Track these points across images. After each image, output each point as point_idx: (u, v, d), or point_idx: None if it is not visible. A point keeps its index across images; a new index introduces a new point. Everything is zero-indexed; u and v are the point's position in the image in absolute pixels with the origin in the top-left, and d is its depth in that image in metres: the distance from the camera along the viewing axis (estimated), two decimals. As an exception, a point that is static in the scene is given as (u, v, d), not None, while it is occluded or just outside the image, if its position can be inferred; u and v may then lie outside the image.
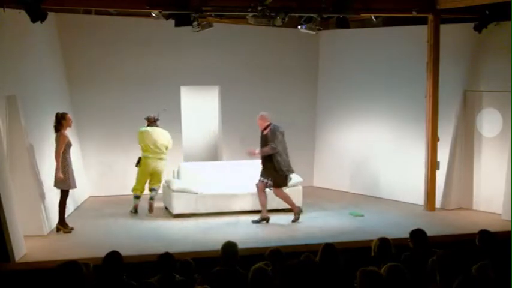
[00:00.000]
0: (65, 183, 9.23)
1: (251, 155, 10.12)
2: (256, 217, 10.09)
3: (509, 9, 9.42)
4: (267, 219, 10.00)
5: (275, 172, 9.95)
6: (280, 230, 9.65)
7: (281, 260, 5.73)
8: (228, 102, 12.90)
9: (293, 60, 13.18)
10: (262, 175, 10.09)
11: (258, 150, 10.03)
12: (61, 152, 9.16)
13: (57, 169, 9.16)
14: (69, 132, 9.51)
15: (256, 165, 11.33)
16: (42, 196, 9.22)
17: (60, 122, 9.28)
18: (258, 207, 10.58)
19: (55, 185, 9.29)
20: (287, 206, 10.56)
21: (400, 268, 4.94)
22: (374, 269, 4.85)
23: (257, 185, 10.09)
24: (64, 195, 9.32)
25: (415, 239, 6.26)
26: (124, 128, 12.06)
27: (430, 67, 10.78)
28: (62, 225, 9.28)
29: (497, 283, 5.23)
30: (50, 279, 5.81)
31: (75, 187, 9.49)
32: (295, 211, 10.08)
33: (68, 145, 9.29)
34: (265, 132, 10.04)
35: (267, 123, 10.05)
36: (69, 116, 9.47)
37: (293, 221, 10.03)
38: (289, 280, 5.18)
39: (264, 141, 10.01)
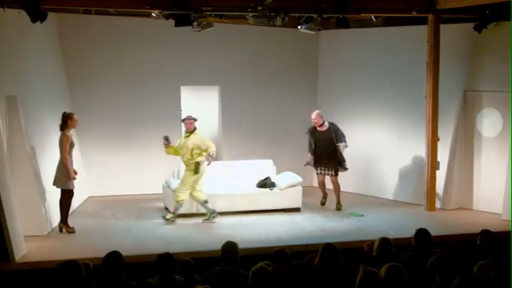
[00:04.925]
0: (67, 183, 9.22)
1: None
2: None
3: (509, 9, 9.42)
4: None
5: (339, 163, 10.91)
6: (280, 230, 9.65)
7: (286, 260, 5.73)
8: (228, 102, 12.90)
9: (293, 60, 13.18)
10: (323, 166, 10.96)
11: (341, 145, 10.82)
12: (66, 152, 9.16)
13: (68, 169, 9.15)
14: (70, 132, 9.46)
15: (256, 165, 11.37)
16: (42, 196, 9.23)
17: (66, 121, 9.26)
18: (258, 207, 10.60)
19: (57, 185, 9.25)
20: (286, 206, 10.60)
21: (399, 268, 4.95)
22: (374, 270, 4.85)
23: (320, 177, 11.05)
24: (68, 195, 9.29)
25: (419, 239, 6.26)
26: (124, 128, 12.07)
27: (430, 67, 10.78)
28: (65, 224, 9.29)
29: (497, 283, 5.23)
30: (50, 279, 5.80)
31: (74, 187, 9.43)
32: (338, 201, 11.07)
33: (71, 145, 9.29)
34: (322, 128, 10.87)
35: (323, 120, 10.87)
36: (76, 116, 9.39)
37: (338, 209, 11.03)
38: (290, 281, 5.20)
39: (325, 135, 10.82)
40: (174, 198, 10.00)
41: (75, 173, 9.34)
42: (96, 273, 5.52)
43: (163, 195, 11.10)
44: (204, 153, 10.00)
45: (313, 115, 10.87)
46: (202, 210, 10.34)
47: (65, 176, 9.18)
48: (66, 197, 9.28)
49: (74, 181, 9.35)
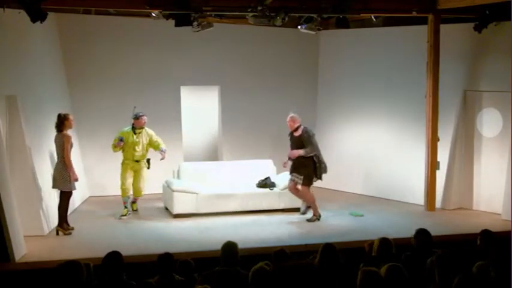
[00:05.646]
0: (67, 184, 9.19)
1: (292, 156, 10.08)
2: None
3: (509, 9, 9.42)
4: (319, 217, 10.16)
5: (313, 172, 10.02)
6: (280, 230, 9.65)
7: (286, 260, 5.73)
8: (228, 102, 12.91)
9: (293, 60, 13.18)
10: (295, 173, 10.09)
11: (300, 151, 9.95)
12: (68, 152, 9.11)
13: (71, 170, 9.11)
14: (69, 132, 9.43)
15: (256, 165, 11.37)
16: (42, 196, 9.22)
17: (63, 122, 9.20)
18: (258, 207, 10.59)
19: (57, 187, 9.21)
20: (285, 206, 10.61)
21: (399, 268, 4.95)
22: (375, 269, 4.85)
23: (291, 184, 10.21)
24: (66, 197, 9.25)
25: (419, 239, 6.26)
26: (124, 128, 12.06)
27: (430, 67, 10.78)
28: (62, 227, 9.21)
29: (497, 283, 5.23)
30: (50, 279, 5.81)
31: (75, 189, 9.43)
32: (314, 213, 10.22)
33: (71, 146, 9.26)
34: (296, 133, 10.11)
35: (297, 125, 10.11)
36: (72, 117, 9.40)
37: (308, 220, 10.17)
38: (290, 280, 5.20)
39: (296, 142, 10.08)
40: (140, 194, 10.59)
41: (66, 175, 9.19)
42: (96, 273, 5.52)
43: (163, 195, 11.11)
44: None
45: (287, 118, 10.19)
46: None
47: (64, 178, 9.13)
48: (64, 198, 9.22)
49: (75, 183, 9.34)
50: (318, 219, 10.12)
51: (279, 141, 12.88)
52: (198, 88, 13.17)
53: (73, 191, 9.39)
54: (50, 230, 9.29)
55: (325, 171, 10.17)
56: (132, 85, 12.24)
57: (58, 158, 9.21)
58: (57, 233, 9.21)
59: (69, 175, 9.13)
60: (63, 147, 9.12)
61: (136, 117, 10.45)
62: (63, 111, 9.54)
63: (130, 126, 10.49)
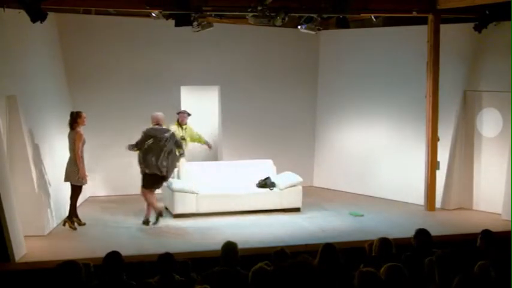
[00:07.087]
0: (77, 179, 9.45)
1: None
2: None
3: (509, 9, 9.43)
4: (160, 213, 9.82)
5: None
6: (280, 230, 9.65)
7: (286, 260, 5.73)
8: (228, 102, 12.90)
9: (293, 60, 13.17)
10: None
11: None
12: (79, 150, 9.38)
13: (79, 167, 9.38)
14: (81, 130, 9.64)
15: (256, 165, 11.38)
16: (42, 196, 9.23)
17: (76, 120, 9.51)
18: (258, 207, 10.60)
19: (67, 180, 9.48)
20: (286, 206, 10.60)
21: (399, 268, 4.95)
22: (371, 270, 4.85)
23: None
24: (76, 191, 9.55)
25: (419, 239, 6.26)
26: (124, 128, 12.06)
27: (430, 67, 10.78)
28: (70, 219, 9.46)
29: (497, 283, 5.23)
30: (50, 279, 5.81)
31: (86, 183, 9.71)
32: (155, 211, 9.85)
33: (83, 143, 9.52)
34: None
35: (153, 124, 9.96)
36: (85, 114, 9.66)
37: (144, 223, 9.85)
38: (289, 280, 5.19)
39: None
40: None
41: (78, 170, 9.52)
42: (96, 273, 5.52)
43: (163, 195, 11.10)
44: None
45: None
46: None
47: (74, 172, 9.42)
48: (74, 192, 9.52)
49: (87, 178, 9.67)
50: (146, 223, 9.82)
51: (279, 141, 12.92)
52: (198, 88, 13.16)
53: (82, 187, 9.69)
54: (50, 230, 9.30)
55: (145, 171, 9.82)
56: (132, 85, 12.24)
57: (70, 153, 9.49)
58: (64, 224, 9.44)
59: (79, 170, 9.41)
60: (74, 144, 9.41)
61: (178, 113, 11.39)
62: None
63: (176, 122, 11.27)
